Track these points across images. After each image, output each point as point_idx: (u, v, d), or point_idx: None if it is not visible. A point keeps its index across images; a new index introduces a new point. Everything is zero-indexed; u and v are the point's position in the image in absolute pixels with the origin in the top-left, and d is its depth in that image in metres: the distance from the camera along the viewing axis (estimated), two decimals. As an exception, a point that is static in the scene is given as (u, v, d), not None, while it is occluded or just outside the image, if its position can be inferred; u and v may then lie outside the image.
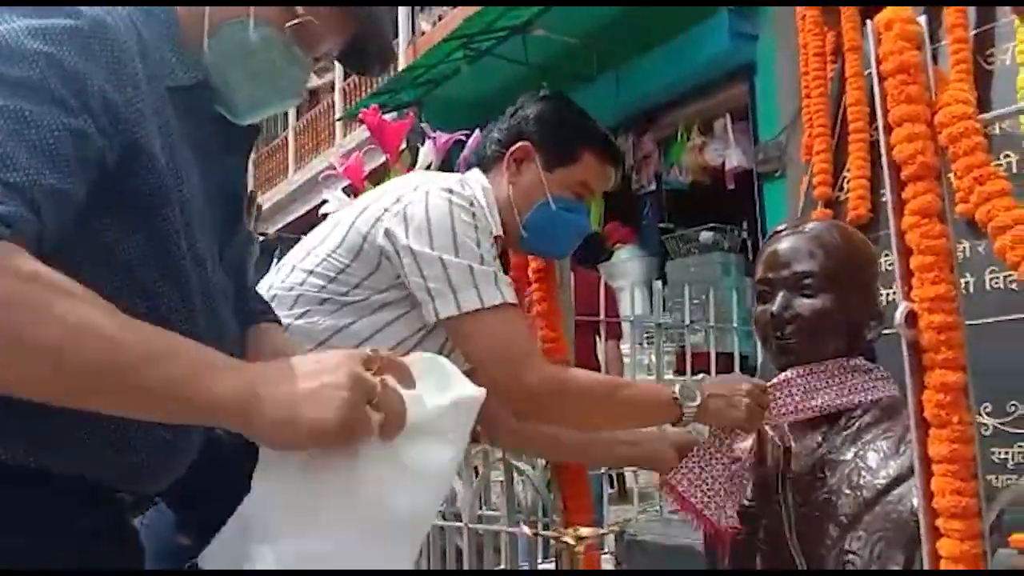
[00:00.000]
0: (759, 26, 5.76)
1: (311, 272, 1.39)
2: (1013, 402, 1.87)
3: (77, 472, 0.79)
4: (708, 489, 1.36)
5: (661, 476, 1.42)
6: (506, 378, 1.29)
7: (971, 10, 2.18)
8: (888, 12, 0.99)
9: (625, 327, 3.91)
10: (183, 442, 0.88)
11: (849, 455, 1.21)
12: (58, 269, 0.68)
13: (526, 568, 1.95)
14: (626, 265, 6.96)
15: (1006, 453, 1.87)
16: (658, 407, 1.36)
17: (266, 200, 11.94)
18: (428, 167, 2.09)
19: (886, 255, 1.87)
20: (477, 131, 1.89)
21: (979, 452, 0.92)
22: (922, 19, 1.00)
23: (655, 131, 7.16)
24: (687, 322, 3.41)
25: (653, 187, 7.29)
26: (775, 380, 1.31)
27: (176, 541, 1.00)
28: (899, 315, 0.94)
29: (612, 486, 4.61)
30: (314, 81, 1.00)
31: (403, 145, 2.30)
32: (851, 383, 1.26)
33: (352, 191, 2.23)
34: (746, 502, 1.35)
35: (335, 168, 2.43)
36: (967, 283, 1.98)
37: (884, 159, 0.98)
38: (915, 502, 1.00)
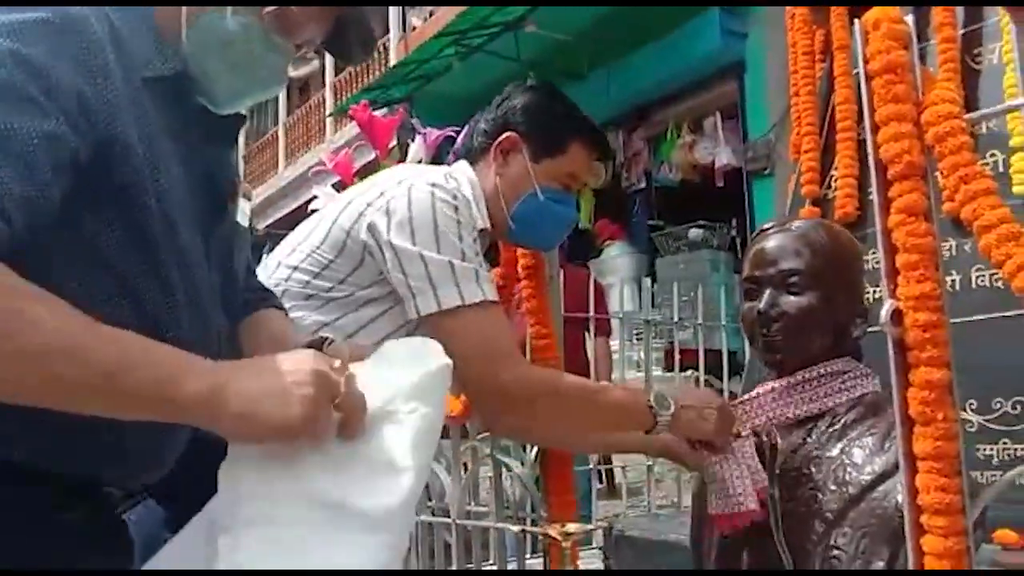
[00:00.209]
0: (749, 24, 5.77)
1: (296, 268, 1.39)
2: (998, 399, 1.89)
3: (62, 467, 0.79)
4: (739, 487, 1.29)
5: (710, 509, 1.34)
6: (481, 376, 1.29)
7: (959, 10, 2.19)
8: (876, 11, 1.00)
9: (614, 323, 3.92)
10: (168, 436, 0.87)
11: (835, 451, 1.22)
12: (38, 266, 0.68)
13: (514, 564, 1.95)
14: (615, 262, 6.98)
15: (991, 449, 1.89)
16: (633, 414, 1.36)
17: (256, 196, 11.89)
18: (418, 163, 2.09)
19: (873, 253, 1.88)
20: (467, 127, 1.89)
21: (964, 449, 0.93)
22: (909, 18, 1.01)
23: (645, 128, 7.17)
24: (676, 319, 3.42)
25: (643, 184, 7.30)
26: (756, 391, 1.32)
27: (164, 537, 1.00)
28: (884, 313, 0.94)
29: (601, 481, 4.62)
30: (299, 70, 0.99)
31: (393, 141, 2.30)
32: (830, 385, 1.27)
33: (342, 187, 2.22)
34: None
35: (325, 164, 2.42)
36: (953, 281, 2.00)
37: (871, 158, 0.99)
38: (900, 498, 1.01)
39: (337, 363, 0.78)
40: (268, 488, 0.76)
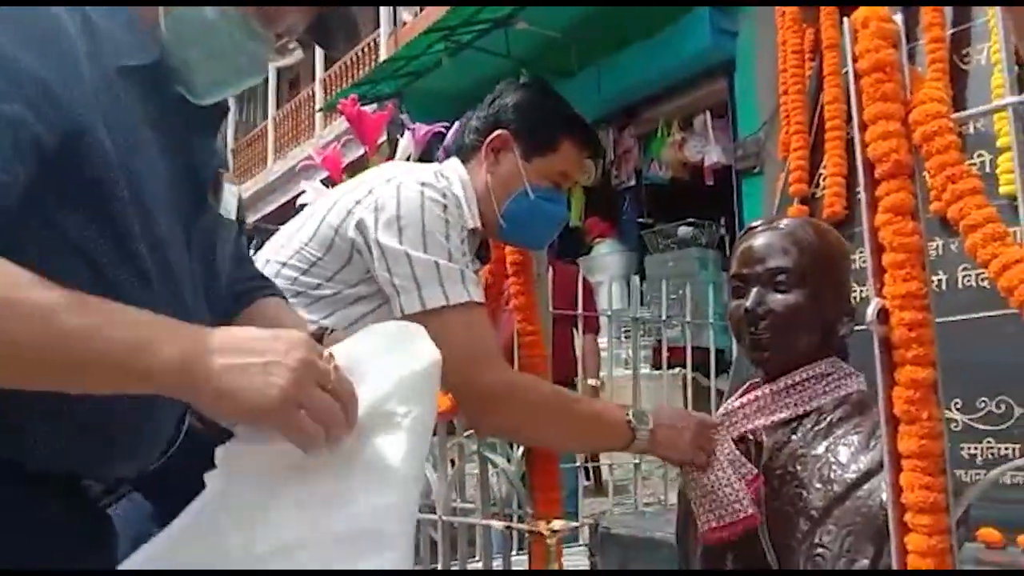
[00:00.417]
0: (739, 23, 5.78)
1: (284, 264, 1.38)
2: (983, 398, 1.90)
3: (36, 460, 0.78)
4: (731, 493, 1.28)
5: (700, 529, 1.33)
6: (461, 377, 1.29)
7: (947, 10, 2.20)
8: (865, 10, 1.00)
9: (602, 321, 3.92)
10: (150, 428, 0.86)
11: (820, 449, 1.22)
12: (12, 259, 0.67)
13: (500, 561, 1.95)
14: (605, 259, 6.99)
15: (975, 449, 1.90)
16: (611, 428, 1.37)
17: (245, 190, 11.85)
18: (407, 159, 2.08)
19: (861, 252, 1.88)
20: (457, 123, 1.89)
21: (948, 448, 0.93)
22: (898, 18, 1.01)
23: (635, 126, 7.18)
24: (664, 316, 3.43)
25: (633, 182, 7.31)
26: (741, 400, 1.32)
27: (152, 532, 0.99)
28: (870, 312, 0.95)
29: (588, 479, 4.63)
30: (282, 60, 0.98)
31: (383, 137, 2.29)
32: (816, 387, 1.27)
33: (330, 182, 2.21)
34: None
35: (313, 159, 2.41)
36: (940, 280, 2.01)
37: (858, 157, 0.99)
38: (884, 496, 1.01)
39: (328, 351, 0.77)
40: (257, 501, 0.74)
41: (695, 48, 5.90)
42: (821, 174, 2.36)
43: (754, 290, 1.28)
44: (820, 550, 1.16)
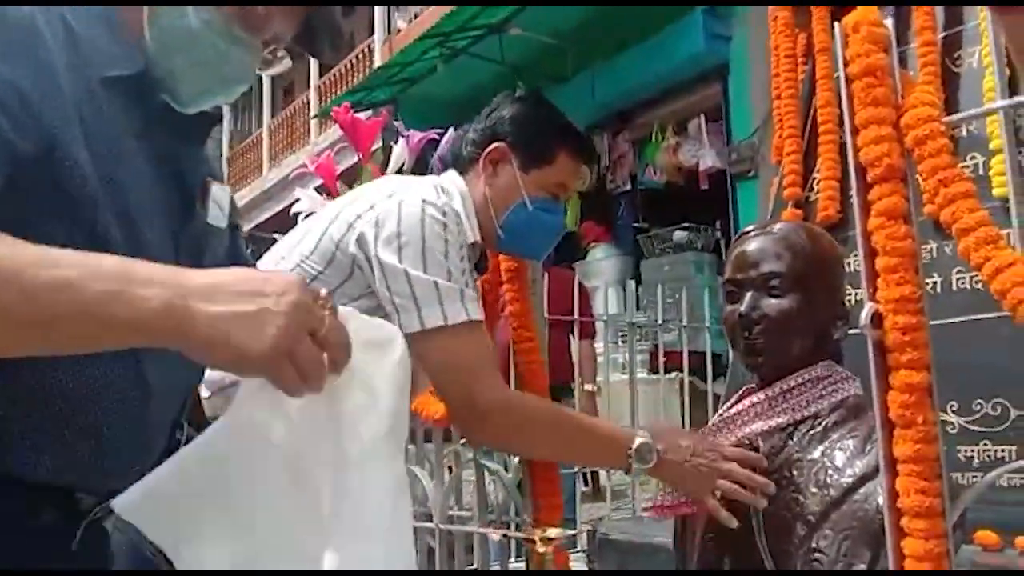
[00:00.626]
0: (733, 27, 5.80)
1: None
2: (979, 400, 1.90)
3: (26, 471, 0.77)
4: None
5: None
6: (459, 396, 1.31)
7: (939, 13, 2.21)
8: (856, 14, 1.00)
9: (599, 326, 3.92)
10: (140, 436, 0.86)
11: (816, 454, 1.22)
12: None
13: (497, 568, 1.95)
14: (600, 264, 7.00)
15: (971, 451, 1.90)
16: (608, 454, 1.37)
17: (240, 198, 11.85)
18: (401, 166, 2.08)
19: (855, 255, 1.89)
20: (451, 130, 1.89)
21: (944, 451, 0.93)
22: (889, 22, 1.01)
23: (630, 131, 7.19)
24: (660, 321, 3.43)
25: (628, 187, 7.33)
26: (737, 407, 1.32)
27: (152, 546, 0.99)
28: (864, 316, 0.94)
29: (586, 484, 4.63)
30: (270, 69, 0.97)
31: (377, 144, 2.28)
32: (811, 392, 1.27)
33: (325, 190, 2.21)
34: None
35: (307, 166, 2.41)
36: (934, 283, 2.01)
37: (851, 161, 0.99)
38: (881, 500, 1.01)
39: (324, 291, 0.74)
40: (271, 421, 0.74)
41: (689, 53, 5.92)
42: (815, 178, 2.37)
43: (748, 295, 1.28)
44: (817, 555, 1.15)
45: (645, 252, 6.96)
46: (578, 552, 2.59)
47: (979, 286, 1.89)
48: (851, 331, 1.23)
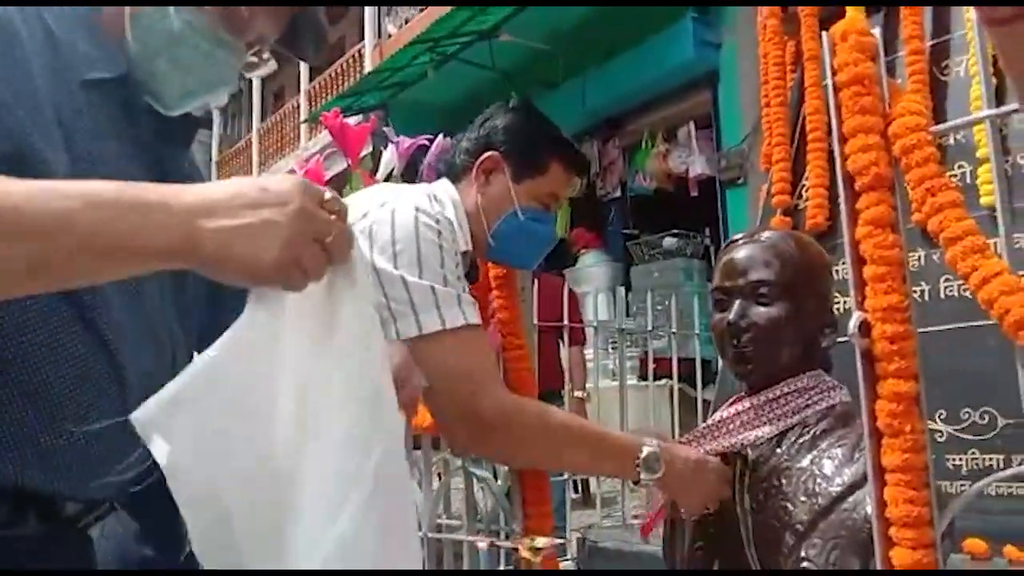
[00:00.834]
0: (722, 35, 5.83)
1: None
2: (967, 409, 1.90)
3: (7, 478, 0.76)
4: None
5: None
6: (460, 400, 1.29)
7: (927, 20, 2.22)
8: (843, 24, 1.00)
9: (588, 332, 3.92)
10: (116, 432, 0.85)
11: (805, 462, 1.22)
12: None
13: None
14: (591, 270, 7.00)
15: (960, 459, 1.90)
16: (616, 464, 1.35)
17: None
18: (391, 172, 2.08)
19: (843, 263, 1.89)
20: (440, 136, 1.88)
21: (932, 459, 0.93)
22: (876, 31, 1.01)
23: (620, 138, 7.21)
24: (650, 327, 3.43)
25: (618, 193, 7.34)
26: (723, 414, 1.32)
27: (142, 551, 0.97)
28: (852, 325, 0.94)
29: (576, 491, 4.62)
30: (255, 71, 0.96)
31: (367, 149, 2.28)
32: (798, 401, 1.27)
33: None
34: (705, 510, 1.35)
35: (295, 172, 2.40)
36: (922, 291, 2.02)
37: (838, 169, 0.99)
38: (869, 509, 1.01)
39: (328, 195, 0.72)
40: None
41: (679, 60, 5.94)
42: (804, 185, 2.37)
43: (736, 303, 1.28)
44: (805, 564, 1.15)
45: (635, 258, 6.97)
46: (567, 560, 2.58)
47: (967, 294, 1.89)
48: (840, 339, 1.23)
